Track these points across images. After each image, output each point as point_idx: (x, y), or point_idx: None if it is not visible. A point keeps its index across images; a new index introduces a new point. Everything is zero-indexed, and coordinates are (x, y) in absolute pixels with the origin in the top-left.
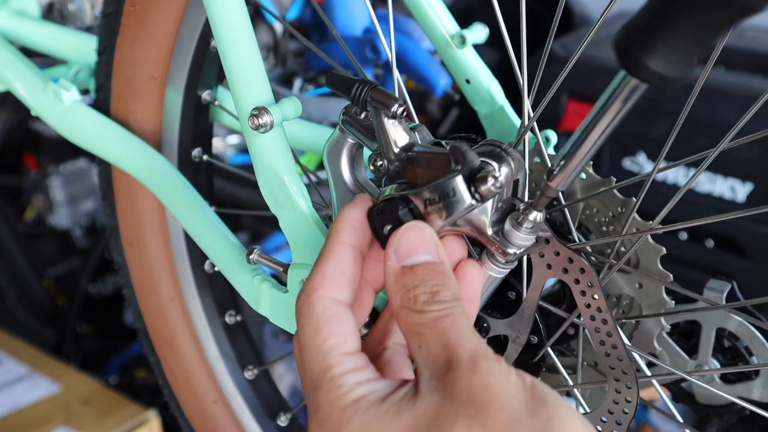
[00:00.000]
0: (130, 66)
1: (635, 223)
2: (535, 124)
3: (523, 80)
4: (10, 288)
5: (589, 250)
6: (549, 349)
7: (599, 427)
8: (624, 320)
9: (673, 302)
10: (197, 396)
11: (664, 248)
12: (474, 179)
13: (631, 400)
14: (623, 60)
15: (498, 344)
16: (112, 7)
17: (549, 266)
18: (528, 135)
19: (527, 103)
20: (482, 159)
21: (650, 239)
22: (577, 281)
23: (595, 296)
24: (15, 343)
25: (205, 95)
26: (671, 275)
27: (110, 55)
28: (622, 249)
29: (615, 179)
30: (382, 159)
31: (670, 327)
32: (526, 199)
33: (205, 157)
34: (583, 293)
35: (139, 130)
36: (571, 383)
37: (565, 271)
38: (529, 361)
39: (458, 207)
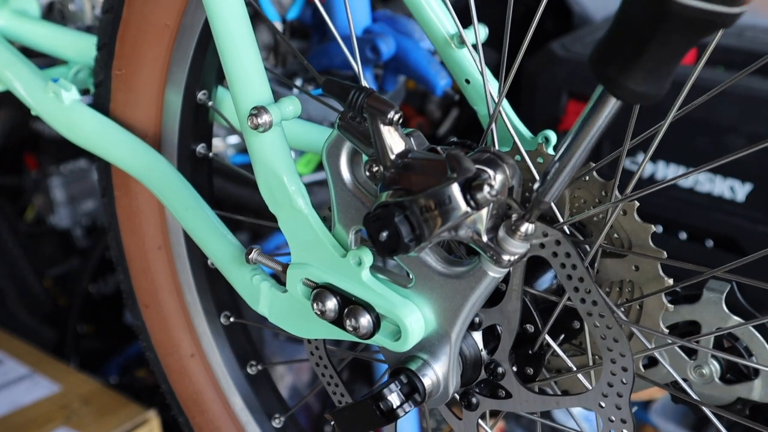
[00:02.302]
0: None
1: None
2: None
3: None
4: (10, 288)
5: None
6: (549, 339)
7: (602, 404)
8: (626, 304)
9: (672, 279)
10: None
11: (653, 226)
12: (470, 187)
13: (627, 368)
14: (601, 80)
15: (493, 336)
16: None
17: None
18: (528, 136)
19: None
20: (478, 166)
21: (636, 217)
22: (555, 254)
23: (575, 265)
24: (15, 343)
25: (201, 95)
26: (665, 252)
27: (110, 51)
28: (615, 236)
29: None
30: (378, 165)
31: (673, 308)
32: (521, 204)
33: (210, 153)
34: (563, 266)
35: (138, 129)
36: (574, 368)
37: (542, 246)
38: (530, 352)
39: (454, 214)
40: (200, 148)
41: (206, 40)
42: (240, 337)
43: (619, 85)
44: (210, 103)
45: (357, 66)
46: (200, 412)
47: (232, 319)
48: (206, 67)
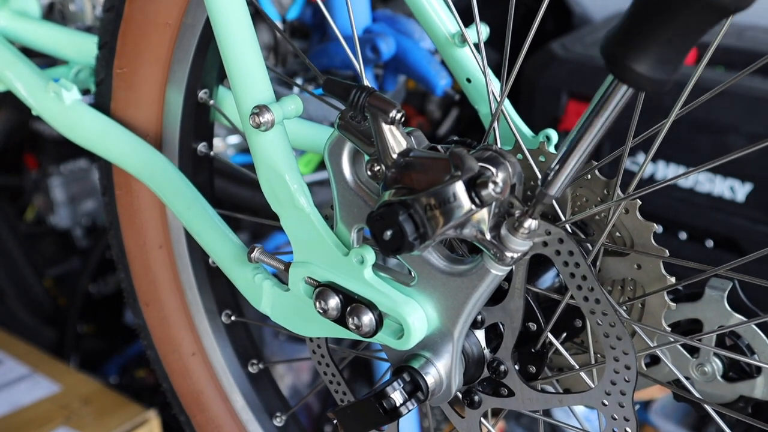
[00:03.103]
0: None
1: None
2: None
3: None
4: (10, 288)
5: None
6: (552, 337)
7: (605, 402)
8: (628, 302)
9: (674, 278)
10: None
11: (655, 224)
12: (474, 185)
13: (630, 366)
14: (611, 67)
15: (495, 334)
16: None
17: None
18: (530, 134)
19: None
20: (481, 164)
21: (638, 216)
22: (558, 253)
23: (578, 263)
24: (15, 343)
25: (202, 94)
26: (667, 251)
27: (111, 49)
28: (617, 234)
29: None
30: (379, 164)
31: (675, 306)
32: (522, 202)
33: (212, 153)
34: (566, 264)
35: (139, 128)
36: (576, 366)
37: (545, 244)
38: (533, 351)
39: (458, 212)
40: (201, 147)
41: (207, 39)
42: (241, 336)
43: (628, 69)
44: (211, 102)
45: (359, 66)
46: (201, 411)
47: (233, 318)
48: (207, 65)
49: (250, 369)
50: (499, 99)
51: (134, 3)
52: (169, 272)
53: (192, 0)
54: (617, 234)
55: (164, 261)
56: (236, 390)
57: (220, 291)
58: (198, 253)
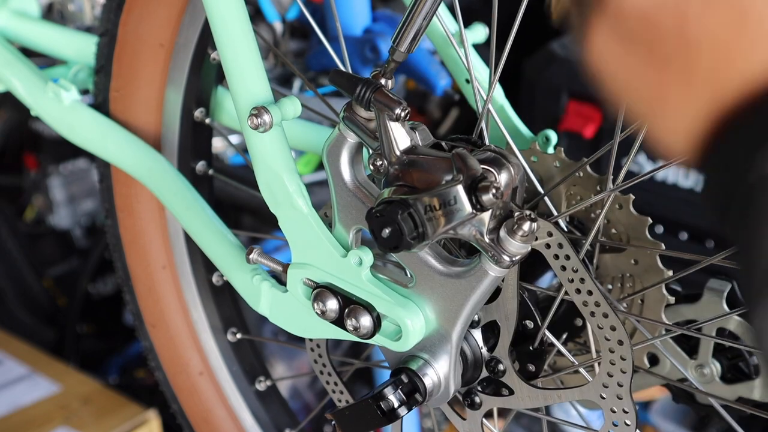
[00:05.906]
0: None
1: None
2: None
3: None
4: (10, 288)
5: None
6: (549, 334)
7: (603, 395)
8: (626, 297)
9: (671, 271)
10: None
11: (649, 218)
12: (475, 188)
13: (626, 358)
14: None
15: (492, 332)
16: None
17: None
18: (528, 135)
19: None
20: (483, 167)
21: (632, 210)
22: (548, 246)
23: (568, 256)
24: (15, 343)
25: (198, 113)
26: (663, 244)
27: (107, 73)
28: (613, 231)
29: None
30: (382, 159)
31: (674, 300)
32: (523, 206)
33: (210, 171)
34: (557, 257)
35: (139, 130)
36: (575, 362)
37: (535, 238)
38: (531, 348)
39: (458, 215)
40: (200, 166)
41: (201, 57)
42: (247, 354)
43: None
44: (207, 120)
45: (347, 67)
46: (211, 430)
47: (238, 336)
48: (202, 84)
49: (257, 386)
50: (486, 97)
51: (127, 26)
52: (174, 292)
53: (184, 19)
54: (613, 231)
55: (168, 282)
56: (245, 408)
57: (225, 309)
58: (201, 272)
